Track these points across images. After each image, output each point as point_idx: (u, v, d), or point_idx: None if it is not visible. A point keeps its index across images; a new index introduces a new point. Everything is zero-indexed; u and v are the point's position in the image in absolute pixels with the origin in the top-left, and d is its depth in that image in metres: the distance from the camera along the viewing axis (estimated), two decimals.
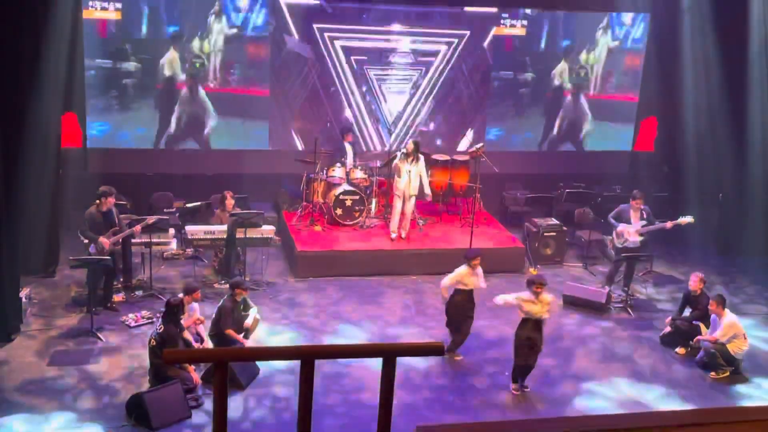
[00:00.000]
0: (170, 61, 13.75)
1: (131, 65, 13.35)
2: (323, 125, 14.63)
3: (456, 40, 14.99)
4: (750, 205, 13.84)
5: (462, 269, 9.83)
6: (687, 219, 12.10)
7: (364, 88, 14.87)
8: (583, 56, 15.55)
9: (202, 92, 13.95)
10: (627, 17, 15.49)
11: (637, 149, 16.11)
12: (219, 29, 13.87)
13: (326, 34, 14.47)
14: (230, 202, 12.05)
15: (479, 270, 9.89)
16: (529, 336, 9.13)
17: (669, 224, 12.10)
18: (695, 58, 14.35)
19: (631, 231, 11.94)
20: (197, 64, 13.90)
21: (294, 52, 14.33)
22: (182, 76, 13.87)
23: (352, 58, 14.68)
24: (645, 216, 12.04)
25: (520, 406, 9.12)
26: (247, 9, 13.91)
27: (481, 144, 13.98)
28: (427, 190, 12.86)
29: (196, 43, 13.85)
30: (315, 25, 14.32)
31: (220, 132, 14.26)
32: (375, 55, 14.79)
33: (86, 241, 10.73)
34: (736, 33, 13.60)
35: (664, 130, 15.73)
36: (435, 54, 14.99)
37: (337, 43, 14.56)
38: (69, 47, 11.92)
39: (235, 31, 13.90)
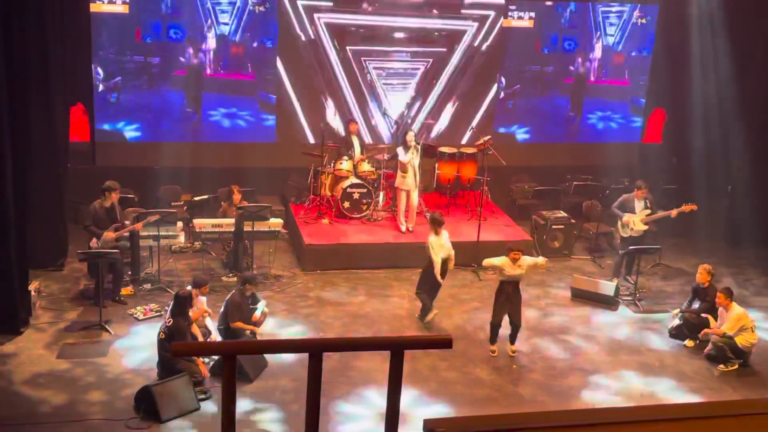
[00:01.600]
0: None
1: (156, 59, 14.33)
2: (329, 118, 14.66)
3: (461, 34, 14.97)
4: (759, 196, 13.79)
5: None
6: (690, 206, 12.12)
7: (368, 79, 14.85)
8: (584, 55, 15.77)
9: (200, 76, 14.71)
10: (613, 28, 15.61)
11: (645, 141, 16.08)
12: (211, 35, 14.32)
13: (326, 23, 14.48)
14: (237, 196, 12.06)
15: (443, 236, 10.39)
16: (508, 295, 9.79)
17: (674, 212, 12.16)
18: (704, 49, 14.28)
19: (636, 220, 11.96)
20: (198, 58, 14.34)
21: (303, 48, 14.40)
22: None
23: (356, 48, 14.68)
24: (649, 205, 12.07)
25: (528, 398, 9.12)
26: (230, 22, 14.30)
27: (488, 137, 13.95)
28: (417, 181, 12.70)
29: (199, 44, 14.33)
30: (316, 15, 14.37)
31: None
32: (379, 46, 14.77)
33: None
34: (746, 21, 13.53)
35: (672, 122, 15.68)
36: (441, 46, 14.98)
37: (339, 35, 14.57)
38: (77, 42, 11.94)
39: (219, 35, 14.49)
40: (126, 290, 11.01)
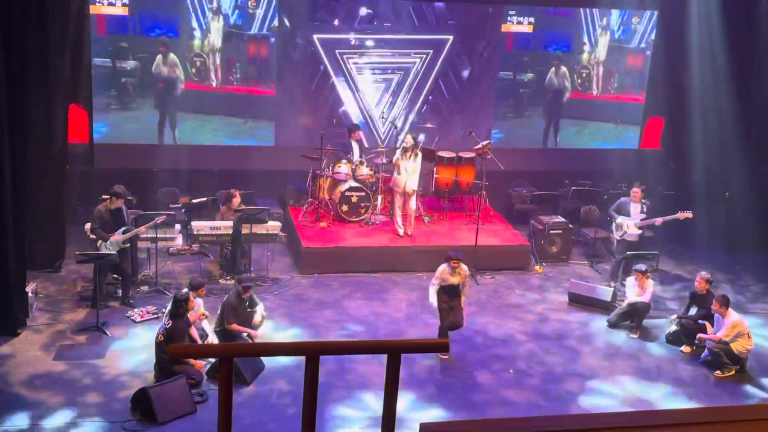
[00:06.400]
0: (170, 62, 13.87)
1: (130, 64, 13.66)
2: (329, 122, 14.64)
3: (456, 35, 14.92)
4: (756, 202, 13.80)
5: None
6: (686, 214, 12.16)
7: (363, 84, 14.82)
8: (585, 56, 15.55)
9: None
10: (633, 15, 15.43)
11: (643, 147, 16.08)
12: (217, 27, 13.93)
13: (322, 33, 14.45)
14: (237, 200, 12.05)
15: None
16: (448, 301, 9.98)
17: (659, 220, 12.23)
18: (702, 55, 14.31)
19: (630, 224, 12.01)
20: (197, 63, 14.01)
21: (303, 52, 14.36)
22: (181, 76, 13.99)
23: (348, 53, 14.64)
24: (645, 210, 12.13)
25: (525, 403, 9.11)
26: (249, 7, 13.92)
27: (487, 141, 13.96)
28: (414, 186, 12.59)
29: (196, 42, 13.93)
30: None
31: (224, 130, 14.35)
32: (372, 48, 14.74)
33: (92, 236, 10.75)
34: (743, 29, 13.57)
35: (670, 128, 15.70)
36: (435, 48, 14.92)
37: (334, 40, 14.52)
38: (75, 42, 11.94)
39: (234, 30, 13.99)
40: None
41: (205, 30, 13.85)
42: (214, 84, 14.13)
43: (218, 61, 14.06)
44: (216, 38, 13.95)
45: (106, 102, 13.68)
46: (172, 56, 13.77)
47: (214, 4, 13.75)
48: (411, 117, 15.19)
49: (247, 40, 14.12)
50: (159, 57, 13.72)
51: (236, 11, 13.90)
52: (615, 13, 15.38)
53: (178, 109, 14.09)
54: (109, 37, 13.44)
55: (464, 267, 10.07)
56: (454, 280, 9.96)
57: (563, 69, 15.43)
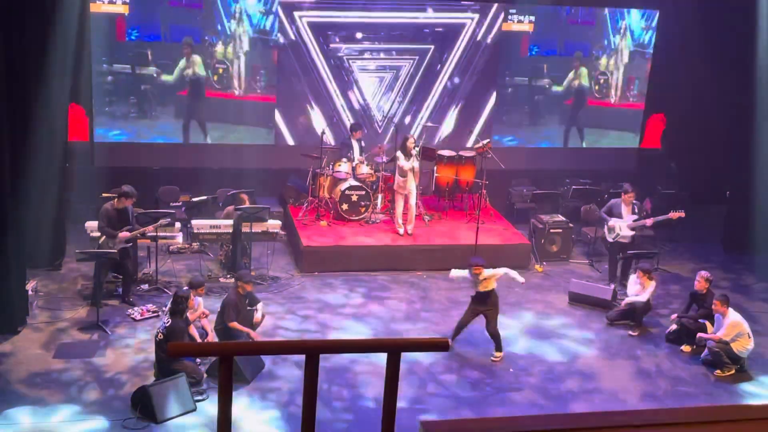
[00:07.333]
0: (194, 63, 13.84)
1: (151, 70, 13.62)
2: (329, 120, 14.62)
3: (455, 33, 14.89)
4: (757, 202, 13.79)
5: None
6: (678, 213, 12.11)
7: (360, 82, 14.81)
8: (603, 61, 15.50)
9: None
10: (648, 19, 15.40)
11: (644, 146, 16.08)
12: (241, 34, 13.93)
13: (316, 29, 14.40)
14: (246, 204, 12.05)
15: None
16: (474, 306, 9.97)
17: (650, 221, 12.16)
18: (703, 54, 14.30)
19: (622, 225, 11.98)
20: (220, 70, 13.97)
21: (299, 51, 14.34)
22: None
23: (344, 51, 14.65)
24: (637, 210, 12.09)
25: (525, 402, 9.12)
26: (267, 12, 13.90)
27: (487, 140, 13.95)
28: (416, 179, 12.72)
29: (219, 49, 13.91)
30: (301, 17, 14.23)
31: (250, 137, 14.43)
32: (368, 46, 14.72)
33: (97, 234, 10.74)
34: (744, 28, 13.56)
35: (671, 127, 15.69)
36: (434, 46, 14.91)
37: (329, 40, 14.48)
38: (76, 41, 11.94)
39: (259, 35, 13.95)
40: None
41: (228, 36, 13.84)
42: (236, 92, 14.13)
43: (242, 68, 14.04)
44: (239, 45, 13.93)
45: (125, 110, 13.68)
46: (195, 57, 13.74)
47: (238, 10, 13.75)
48: (418, 115, 15.18)
49: (272, 46, 14.14)
50: (182, 60, 13.69)
51: (264, 17, 13.89)
52: (635, 20, 15.33)
53: (205, 116, 14.08)
54: (128, 43, 13.42)
55: (486, 272, 9.81)
56: (481, 288, 9.86)
57: (582, 70, 15.39)
